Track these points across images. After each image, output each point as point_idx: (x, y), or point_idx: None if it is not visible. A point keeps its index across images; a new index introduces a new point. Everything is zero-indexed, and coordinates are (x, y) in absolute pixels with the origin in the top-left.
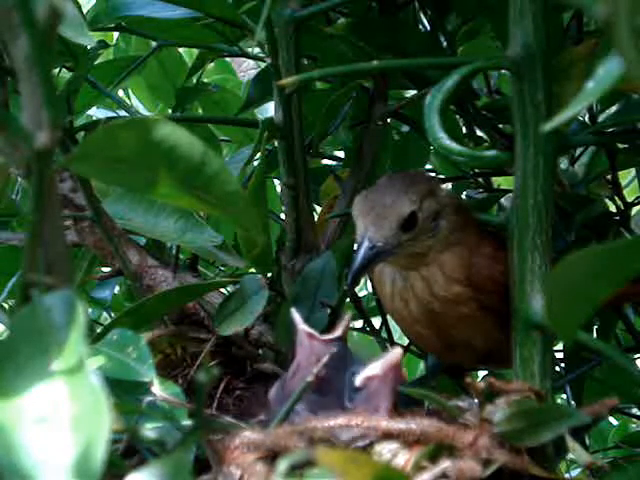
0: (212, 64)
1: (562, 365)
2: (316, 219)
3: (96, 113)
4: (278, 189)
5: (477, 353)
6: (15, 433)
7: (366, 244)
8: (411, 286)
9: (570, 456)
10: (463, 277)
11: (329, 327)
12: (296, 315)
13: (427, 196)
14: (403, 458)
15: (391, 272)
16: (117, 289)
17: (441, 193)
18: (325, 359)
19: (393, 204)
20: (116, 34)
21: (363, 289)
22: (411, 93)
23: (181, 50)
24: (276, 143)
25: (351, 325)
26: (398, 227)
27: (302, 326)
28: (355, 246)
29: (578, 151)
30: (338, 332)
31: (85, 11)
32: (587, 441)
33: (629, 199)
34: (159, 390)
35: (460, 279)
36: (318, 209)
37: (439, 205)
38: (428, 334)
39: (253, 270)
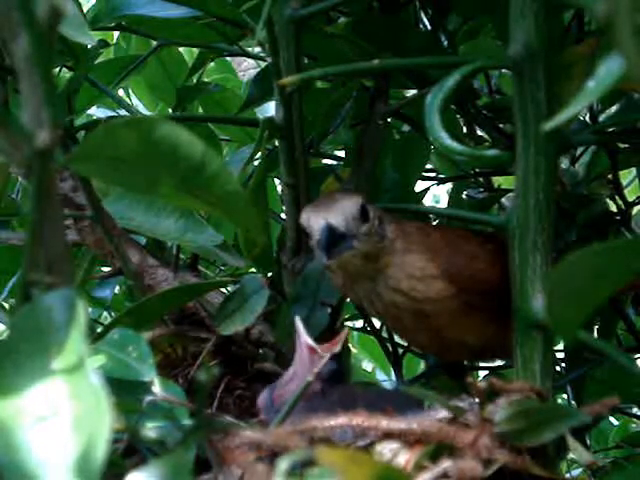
0: (212, 63)
1: (563, 365)
2: None
3: (96, 112)
4: (278, 189)
5: (472, 350)
6: (15, 432)
7: (328, 228)
8: (390, 300)
9: (571, 456)
10: (437, 273)
11: (329, 332)
12: (300, 324)
13: (367, 202)
14: (404, 458)
15: (365, 292)
16: (117, 288)
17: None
18: (319, 375)
19: (344, 199)
20: (116, 33)
21: None
22: (412, 92)
23: (181, 49)
24: (276, 142)
25: (351, 325)
26: (357, 214)
27: (305, 337)
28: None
29: (579, 151)
30: (337, 348)
31: (85, 10)
32: (588, 441)
33: (630, 199)
34: (160, 389)
35: (435, 275)
36: None
37: (379, 212)
38: (422, 338)
39: (253, 270)
